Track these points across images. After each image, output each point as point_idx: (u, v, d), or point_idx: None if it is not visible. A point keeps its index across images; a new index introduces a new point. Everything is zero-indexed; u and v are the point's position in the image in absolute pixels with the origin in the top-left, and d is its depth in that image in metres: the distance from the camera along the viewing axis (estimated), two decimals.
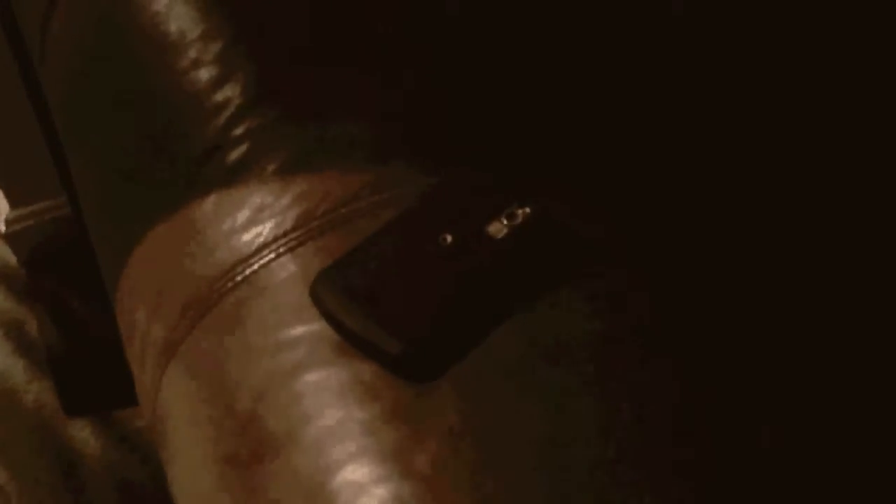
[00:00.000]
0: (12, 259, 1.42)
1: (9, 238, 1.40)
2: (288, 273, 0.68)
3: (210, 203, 0.73)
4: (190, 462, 0.68)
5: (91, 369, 1.32)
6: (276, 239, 0.69)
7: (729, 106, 0.73)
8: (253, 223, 0.71)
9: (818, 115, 0.73)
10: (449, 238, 0.65)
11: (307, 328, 0.65)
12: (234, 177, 0.73)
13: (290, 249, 0.69)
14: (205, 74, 0.78)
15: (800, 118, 0.73)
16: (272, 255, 0.69)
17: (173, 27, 0.80)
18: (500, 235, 0.65)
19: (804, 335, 0.64)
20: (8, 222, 1.39)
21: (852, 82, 0.74)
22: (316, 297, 0.65)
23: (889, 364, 0.62)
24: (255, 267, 0.69)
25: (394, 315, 0.63)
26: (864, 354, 0.63)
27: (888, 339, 0.63)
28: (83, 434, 1.28)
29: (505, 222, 0.66)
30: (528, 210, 0.66)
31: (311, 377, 0.64)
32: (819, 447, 0.60)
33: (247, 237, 0.70)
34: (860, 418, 0.61)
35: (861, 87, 0.74)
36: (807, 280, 0.66)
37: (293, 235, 0.69)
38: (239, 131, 0.75)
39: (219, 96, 0.76)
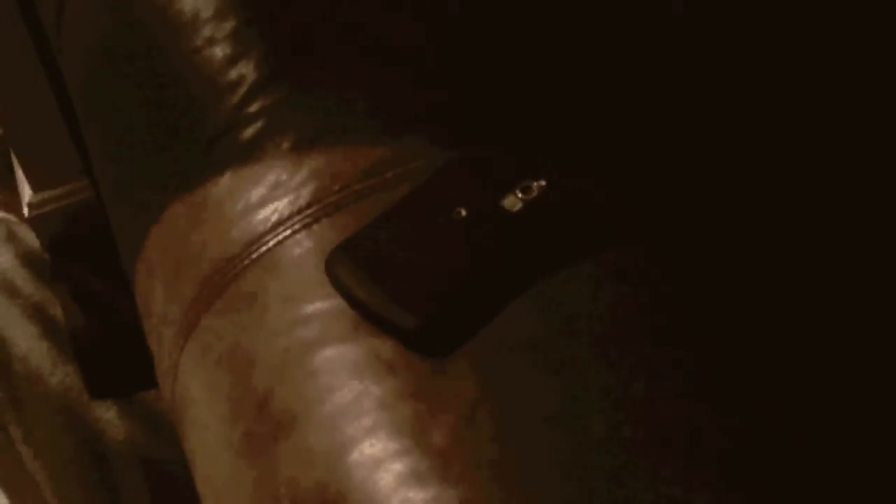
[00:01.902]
0: (36, 243, 1.43)
1: (32, 222, 1.40)
2: (303, 250, 0.68)
3: (225, 181, 0.73)
4: (208, 439, 0.68)
5: (115, 352, 1.33)
6: (291, 216, 0.69)
7: (729, 99, 0.73)
8: (268, 200, 0.70)
9: (817, 110, 0.72)
10: (464, 212, 0.65)
11: (323, 304, 0.65)
12: (248, 154, 0.73)
13: (306, 226, 0.69)
14: (219, 52, 0.77)
15: (799, 113, 0.72)
16: (287, 232, 0.69)
17: (187, 6, 0.80)
18: (514, 209, 0.65)
19: (813, 310, 0.63)
20: (31, 206, 1.39)
21: (852, 81, 0.74)
22: (331, 273, 0.65)
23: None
24: (271, 244, 0.69)
25: (409, 290, 0.63)
26: (871, 323, 0.63)
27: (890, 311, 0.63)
28: (109, 416, 1.29)
29: (520, 196, 0.65)
30: (543, 183, 0.66)
31: (328, 353, 0.63)
32: (828, 418, 0.59)
33: (262, 214, 0.70)
34: (871, 389, 0.61)
35: (861, 86, 0.74)
36: (813, 258, 0.65)
37: (308, 212, 0.69)
38: (253, 109, 0.74)
39: (233, 74, 0.76)
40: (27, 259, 1.43)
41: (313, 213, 0.69)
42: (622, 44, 0.75)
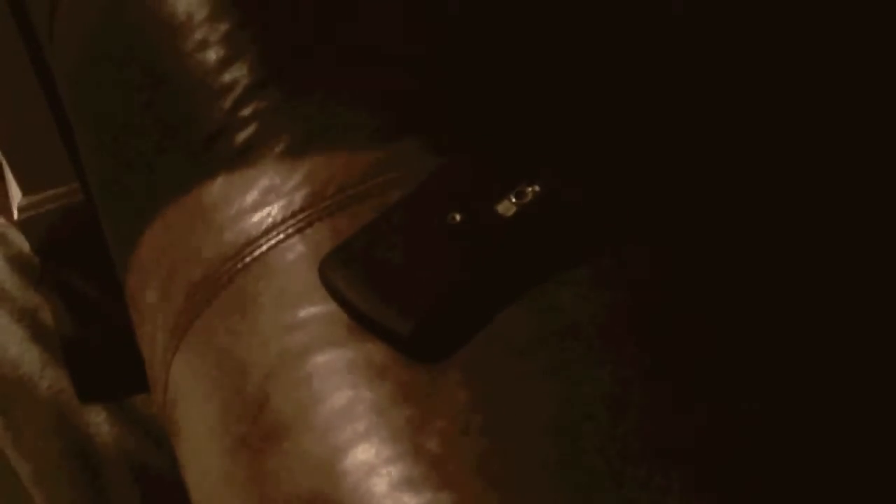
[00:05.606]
0: (25, 246, 1.42)
1: (22, 225, 1.40)
2: (296, 254, 0.68)
3: (218, 185, 0.72)
4: (200, 444, 0.68)
5: (105, 356, 1.32)
6: (284, 220, 0.69)
7: (729, 100, 0.73)
8: (261, 204, 0.70)
9: (817, 111, 0.72)
10: (458, 217, 0.65)
11: (316, 309, 0.65)
12: (241, 158, 0.73)
13: (299, 230, 0.68)
14: (212, 56, 0.77)
15: (798, 114, 0.72)
16: (281, 237, 0.69)
17: (180, 8, 0.80)
18: (509, 214, 0.65)
19: (812, 313, 0.63)
20: (21, 209, 1.39)
21: (852, 81, 0.74)
22: (325, 277, 0.65)
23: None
24: (264, 248, 0.69)
25: (403, 295, 0.63)
26: (870, 327, 0.63)
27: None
28: (98, 420, 1.28)
29: (514, 200, 0.65)
30: (536, 188, 0.65)
31: (321, 358, 0.63)
32: (829, 424, 0.59)
33: (255, 218, 0.70)
34: (872, 398, 0.61)
35: (861, 86, 0.74)
36: (812, 261, 0.65)
37: (301, 216, 0.69)
38: (246, 112, 0.74)
39: (226, 77, 0.76)
40: (16, 262, 1.42)
41: (307, 217, 0.69)
42: (622, 44, 0.75)
